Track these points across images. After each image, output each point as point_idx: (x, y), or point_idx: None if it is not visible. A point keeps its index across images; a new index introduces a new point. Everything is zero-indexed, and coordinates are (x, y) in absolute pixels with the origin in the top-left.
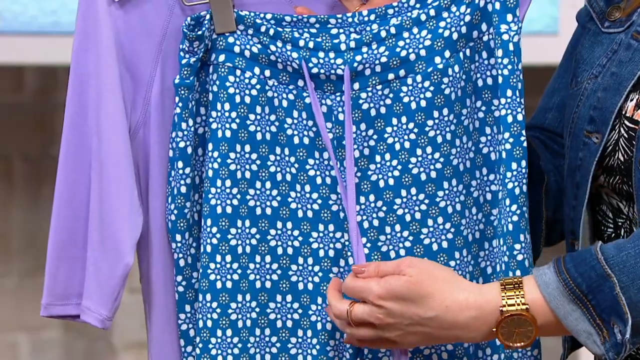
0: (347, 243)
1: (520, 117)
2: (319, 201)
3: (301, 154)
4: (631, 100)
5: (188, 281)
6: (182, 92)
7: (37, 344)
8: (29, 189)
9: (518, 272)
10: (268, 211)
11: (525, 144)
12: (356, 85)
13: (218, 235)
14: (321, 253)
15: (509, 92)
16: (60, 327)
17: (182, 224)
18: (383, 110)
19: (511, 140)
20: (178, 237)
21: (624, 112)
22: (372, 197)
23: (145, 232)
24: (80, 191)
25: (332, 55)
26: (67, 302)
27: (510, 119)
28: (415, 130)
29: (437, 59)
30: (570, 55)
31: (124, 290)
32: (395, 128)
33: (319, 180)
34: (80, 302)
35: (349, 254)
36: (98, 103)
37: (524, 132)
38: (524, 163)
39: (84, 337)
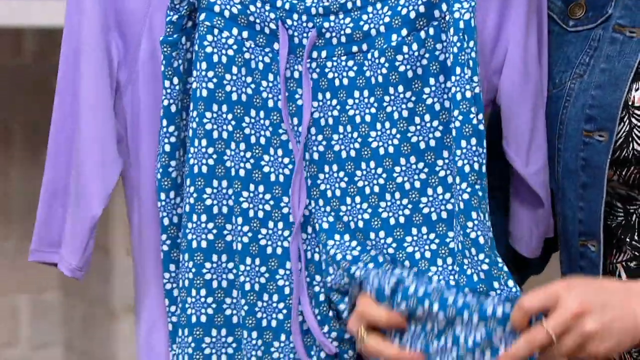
0: (313, 211)
1: (468, 94)
2: (290, 166)
3: (275, 117)
4: (636, 90)
5: (173, 240)
6: (166, 49)
7: (37, 306)
8: (28, 152)
9: (473, 250)
10: (242, 173)
11: (475, 121)
12: (324, 53)
13: (195, 195)
14: (291, 218)
15: (458, 70)
16: (60, 290)
17: (166, 183)
18: (346, 81)
19: (460, 117)
20: (162, 196)
21: (631, 103)
22: (335, 167)
23: (136, 189)
24: (68, 144)
25: (304, 18)
26: (50, 250)
27: (459, 96)
28: (375, 104)
29: (393, 36)
30: None
31: (93, 242)
32: (357, 101)
33: (291, 146)
34: (59, 250)
35: (316, 221)
36: (79, 58)
37: (473, 109)
38: (473, 141)
39: (84, 301)
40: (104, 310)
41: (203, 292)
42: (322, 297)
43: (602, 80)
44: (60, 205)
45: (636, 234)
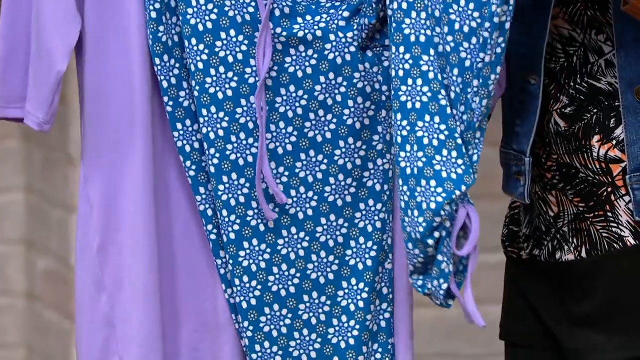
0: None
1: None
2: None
3: None
4: None
5: (175, 101)
6: None
7: None
8: None
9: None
10: (247, 17)
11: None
12: None
13: (206, 51)
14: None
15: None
16: (20, 138)
17: (159, 48)
18: None
19: None
20: (157, 61)
21: None
22: (302, 48)
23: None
24: (25, 3)
25: None
26: (13, 106)
27: None
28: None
29: None
30: None
31: (59, 96)
32: None
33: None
34: (24, 106)
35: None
36: None
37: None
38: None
39: (43, 147)
40: (62, 156)
41: (242, 135)
42: (280, 151)
43: None
44: (20, 61)
45: (578, 76)
